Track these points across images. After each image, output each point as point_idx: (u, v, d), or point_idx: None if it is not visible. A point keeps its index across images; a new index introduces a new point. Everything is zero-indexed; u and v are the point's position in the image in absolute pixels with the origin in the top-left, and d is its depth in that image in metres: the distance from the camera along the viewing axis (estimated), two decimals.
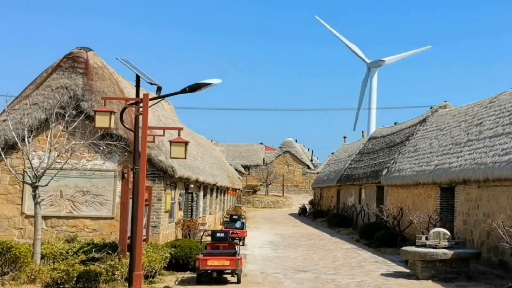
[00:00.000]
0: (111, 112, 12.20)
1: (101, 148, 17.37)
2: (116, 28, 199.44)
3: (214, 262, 15.40)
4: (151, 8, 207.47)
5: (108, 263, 14.23)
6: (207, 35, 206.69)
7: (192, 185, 24.21)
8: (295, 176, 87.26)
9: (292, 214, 58.52)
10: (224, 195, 42.32)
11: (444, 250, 17.45)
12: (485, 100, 25.78)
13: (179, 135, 13.07)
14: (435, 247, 17.72)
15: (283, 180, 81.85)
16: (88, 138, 16.67)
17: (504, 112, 22.08)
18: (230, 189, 44.93)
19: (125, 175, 14.18)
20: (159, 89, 30.70)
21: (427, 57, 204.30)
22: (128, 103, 13.21)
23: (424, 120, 32.65)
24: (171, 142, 12.70)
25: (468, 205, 21.25)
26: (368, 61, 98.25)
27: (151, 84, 13.31)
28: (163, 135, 14.06)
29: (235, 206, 50.09)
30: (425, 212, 23.67)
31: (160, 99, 13.92)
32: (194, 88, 13.21)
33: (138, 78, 13.29)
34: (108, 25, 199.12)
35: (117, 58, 13.14)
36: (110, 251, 15.30)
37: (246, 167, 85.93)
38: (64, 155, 15.87)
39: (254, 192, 75.06)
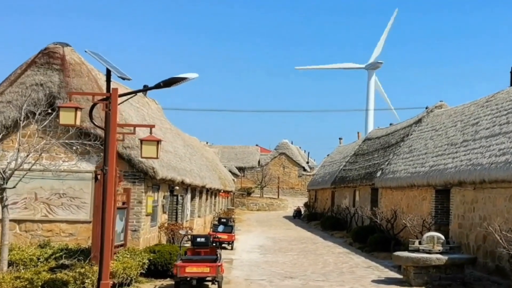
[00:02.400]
0: (76, 108, 11.27)
1: (74, 148, 16.42)
2: (112, 31, 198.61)
3: (193, 269, 14.46)
4: (145, 9, 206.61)
5: (77, 270, 13.26)
6: (201, 37, 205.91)
7: (177, 187, 23.26)
8: (290, 178, 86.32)
9: (286, 217, 57.65)
10: (215, 197, 41.37)
11: (438, 255, 16.56)
12: (482, 99, 24.93)
13: (150, 133, 12.15)
14: (428, 252, 16.84)
15: (278, 182, 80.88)
16: (63, 138, 15.73)
17: (501, 111, 21.22)
18: (222, 191, 43.98)
19: (98, 176, 13.28)
20: (145, 87, 29.77)
21: (425, 57, 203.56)
22: (97, 98, 12.26)
23: (419, 121, 31.81)
24: (141, 140, 11.80)
25: (463, 207, 20.37)
26: (364, 65, 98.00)
27: (123, 78, 12.38)
28: (133, 133, 13.12)
29: (228, 209, 49.14)
30: (420, 215, 22.80)
31: (133, 95, 13.02)
32: (169, 82, 12.29)
33: (108, 72, 12.36)
34: (109, 28, 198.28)
35: (86, 51, 12.23)
36: (81, 258, 14.36)
37: (241, 169, 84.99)
38: (35, 155, 14.91)
39: (249, 194, 74.04)
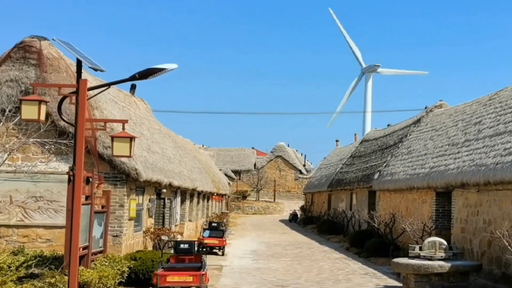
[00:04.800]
0: (40, 101, 10.11)
1: (47, 147, 15.27)
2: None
3: (174, 278, 13.32)
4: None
5: (47, 280, 12.15)
6: (198, 39, 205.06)
7: (164, 190, 22.11)
8: (287, 181, 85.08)
9: (282, 221, 56.58)
10: (208, 201, 40.19)
11: (441, 262, 15.41)
12: (484, 98, 23.81)
13: (123, 129, 10.98)
14: (430, 258, 15.69)
15: (274, 185, 79.66)
16: (34, 136, 14.60)
17: (505, 109, 20.10)
18: (215, 194, 42.80)
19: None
20: (133, 86, 28.35)
21: (424, 59, 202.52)
22: (65, 91, 11.11)
23: (418, 121, 30.70)
24: (112, 137, 10.64)
25: (466, 211, 19.24)
26: (364, 66, 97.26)
27: (95, 69, 11.26)
28: (104, 129, 11.93)
29: (222, 213, 47.96)
30: (420, 218, 21.66)
31: (105, 88, 11.86)
32: (146, 74, 11.18)
33: (79, 63, 11.24)
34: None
35: (53, 39, 11.10)
36: (53, 266, 13.19)
37: (237, 172, 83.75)
38: (4, 155, 13.77)
39: (244, 198, 72.84)
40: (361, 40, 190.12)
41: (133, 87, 26.81)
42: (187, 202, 29.43)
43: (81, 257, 14.08)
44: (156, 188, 21.42)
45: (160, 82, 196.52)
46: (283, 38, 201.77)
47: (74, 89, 11.08)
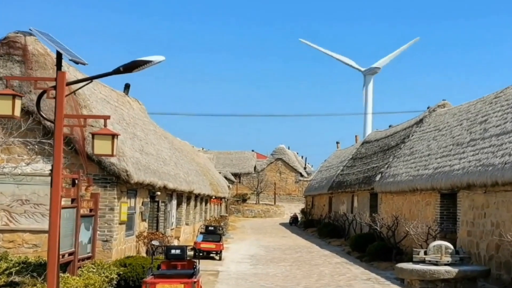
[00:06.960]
0: (14, 96, 9.30)
1: (29, 147, 14.48)
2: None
3: (164, 286, 12.47)
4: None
5: None
6: (198, 42, 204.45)
7: (159, 192, 21.30)
8: (287, 184, 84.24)
9: (283, 224, 55.71)
10: (206, 204, 39.36)
11: (447, 268, 14.64)
12: (489, 96, 23.02)
13: (105, 125, 10.17)
14: (436, 263, 14.92)
15: (274, 188, 78.75)
16: (25, 136, 13.82)
17: None
18: (214, 197, 41.97)
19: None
20: (127, 86, 27.46)
21: (426, 60, 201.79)
22: (40, 84, 10.30)
23: (421, 121, 29.89)
24: (93, 134, 9.81)
25: (473, 213, 18.42)
26: (363, 69, 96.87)
27: (76, 62, 10.44)
28: (84, 125, 11.08)
29: (220, 216, 47.13)
30: (424, 221, 20.84)
31: (88, 82, 11.03)
32: (130, 67, 10.37)
33: (59, 55, 10.42)
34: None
35: (30, 29, 10.31)
36: (35, 273, 12.39)
37: (237, 175, 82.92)
38: None
39: (244, 201, 71.96)
40: (365, 41, 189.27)
41: (127, 87, 26.03)
42: (184, 205, 28.62)
43: (67, 264, 13.32)
44: (150, 190, 20.63)
45: (160, 83, 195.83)
46: (284, 40, 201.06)
47: (54, 84, 10.27)
